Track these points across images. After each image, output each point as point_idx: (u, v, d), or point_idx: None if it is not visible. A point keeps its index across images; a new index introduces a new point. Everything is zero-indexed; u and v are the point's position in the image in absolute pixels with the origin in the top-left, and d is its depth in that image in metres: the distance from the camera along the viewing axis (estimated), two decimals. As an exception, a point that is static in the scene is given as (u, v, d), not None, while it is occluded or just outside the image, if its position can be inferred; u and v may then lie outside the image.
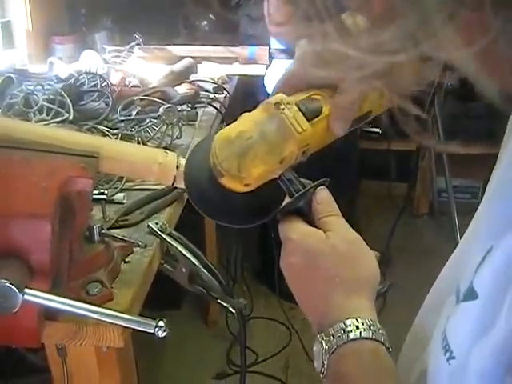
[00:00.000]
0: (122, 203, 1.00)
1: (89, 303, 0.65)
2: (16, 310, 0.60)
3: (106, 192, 0.97)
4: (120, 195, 1.01)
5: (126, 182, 1.05)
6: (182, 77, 1.78)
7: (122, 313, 0.65)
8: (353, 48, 0.33)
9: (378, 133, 2.80)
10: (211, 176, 0.58)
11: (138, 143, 1.20)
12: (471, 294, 0.41)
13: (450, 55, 0.32)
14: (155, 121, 1.27)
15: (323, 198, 0.59)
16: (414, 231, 2.84)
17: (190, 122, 1.48)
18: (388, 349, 0.50)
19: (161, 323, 0.62)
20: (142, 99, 1.39)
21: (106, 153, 0.70)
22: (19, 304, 0.60)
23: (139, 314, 0.76)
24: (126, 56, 2.06)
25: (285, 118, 0.56)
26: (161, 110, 1.23)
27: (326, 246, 0.55)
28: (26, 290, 0.60)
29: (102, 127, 1.25)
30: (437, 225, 2.95)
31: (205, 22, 2.62)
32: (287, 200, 0.60)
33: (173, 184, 0.73)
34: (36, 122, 1.25)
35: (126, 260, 0.83)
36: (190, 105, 1.57)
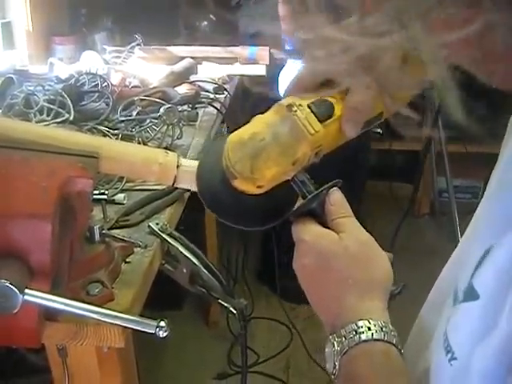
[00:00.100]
0: (123, 203, 1.00)
1: (89, 303, 0.65)
2: (16, 310, 0.60)
3: (106, 192, 0.97)
4: (120, 195, 1.01)
5: (127, 182, 1.05)
6: (182, 77, 1.78)
7: (122, 313, 0.65)
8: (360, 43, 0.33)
9: (378, 133, 2.80)
10: (224, 178, 0.58)
11: (139, 143, 1.20)
12: (472, 294, 0.41)
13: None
14: (156, 121, 1.27)
15: (336, 200, 0.59)
16: (415, 231, 2.84)
17: (191, 123, 1.48)
18: (400, 350, 0.50)
19: (162, 323, 0.62)
20: (142, 99, 1.39)
21: (106, 153, 0.69)
22: (19, 304, 0.60)
23: (140, 314, 0.76)
24: (127, 56, 2.06)
25: (297, 119, 0.56)
26: (161, 110, 1.23)
27: (339, 247, 0.55)
28: (27, 291, 0.60)
29: (102, 128, 1.25)
30: (438, 225, 2.95)
31: (205, 23, 2.62)
32: (300, 201, 0.60)
33: (173, 184, 0.73)
34: (36, 122, 1.25)
35: (127, 260, 0.83)
36: (190, 105, 1.57)
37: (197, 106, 1.60)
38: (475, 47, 0.32)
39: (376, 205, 2.99)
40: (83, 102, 1.44)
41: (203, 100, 1.66)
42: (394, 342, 0.50)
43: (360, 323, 0.51)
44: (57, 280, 0.66)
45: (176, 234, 0.91)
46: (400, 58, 0.57)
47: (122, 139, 1.20)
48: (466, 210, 2.79)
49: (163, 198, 1.02)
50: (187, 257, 0.89)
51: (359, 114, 0.59)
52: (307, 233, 0.57)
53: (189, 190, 1.04)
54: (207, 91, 1.76)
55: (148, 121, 1.29)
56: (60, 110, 1.29)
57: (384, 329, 0.51)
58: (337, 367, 0.51)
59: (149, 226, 0.92)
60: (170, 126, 1.23)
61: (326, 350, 0.53)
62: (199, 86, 1.76)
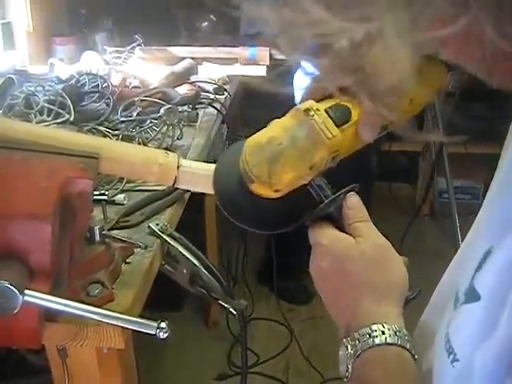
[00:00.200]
0: (123, 204, 1.00)
1: (89, 304, 0.65)
2: (16, 311, 0.60)
3: (106, 193, 0.97)
4: (121, 196, 1.01)
5: (127, 182, 1.05)
6: (182, 78, 1.78)
7: (122, 314, 0.65)
8: None
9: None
10: (241, 182, 0.58)
11: (139, 144, 1.20)
12: (473, 296, 0.41)
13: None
14: (156, 122, 1.27)
15: (354, 204, 0.59)
16: (415, 232, 2.84)
17: (191, 123, 1.48)
18: (413, 356, 0.50)
19: (162, 324, 0.62)
20: (142, 100, 1.39)
21: (107, 154, 0.69)
22: (19, 305, 0.60)
23: (140, 315, 0.76)
24: (127, 57, 2.06)
25: (314, 124, 0.56)
26: (161, 110, 1.23)
27: (355, 251, 0.56)
28: (26, 291, 0.60)
29: (102, 128, 1.25)
30: (438, 226, 2.95)
31: (205, 23, 2.62)
32: (314, 205, 0.60)
33: (173, 185, 0.73)
34: (37, 123, 1.25)
35: (127, 261, 0.83)
36: (190, 106, 1.57)
37: (197, 106, 1.60)
38: (470, 45, 0.32)
39: (375, 205, 2.99)
40: (83, 103, 1.44)
41: (203, 100, 1.66)
42: (408, 346, 0.50)
43: (374, 327, 0.51)
44: (57, 281, 0.66)
45: (176, 234, 0.91)
46: (417, 64, 0.58)
47: (122, 140, 1.20)
48: (466, 210, 2.79)
49: (163, 199, 1.02)
50: (187, 257, 0.89)
51: (376, 118, 0.60)
52: (324, 236, 0.58)
53: (189, 191, 1.04)
54: (207, 92, 1.76)
55: (148, 121, 1.29)
56: (60, 110, 1.29)
57: (398, 333, 0.51)
58: (349, 370, 0.51)
59: (149, 226, 0.92)
60: (171, 127, 1.23)
61: (340, 352, 0.53)
62: (199, 86, 1.76)
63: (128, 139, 1.21)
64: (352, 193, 0.60)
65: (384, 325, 0.51)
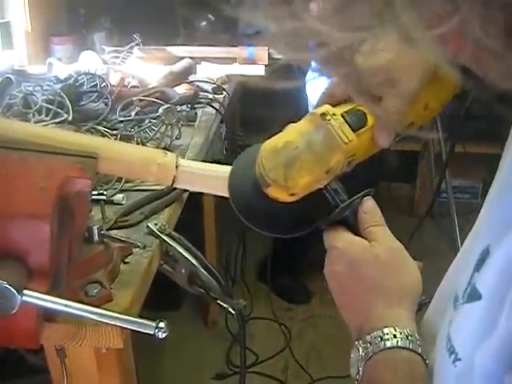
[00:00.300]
0: (122, 204, 1.00)
1: (88, 304, 0.65)
2: (15, 311, 0.60)
3: (105, 193, 0.97)
4: (119, 196, 1.01)
5: (126, 182, 1.05)
6: (181, 77, 1.77)
7: (121, 314, 0.65)
8: None
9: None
10: (256, 185, 0.59)
11: (138, 144, 1.20)
12: (475, 295, 0.41)
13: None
14: (154, 121, 1.27)
15: (370, 208, 0.60)
16: (413, 232, 2.84)
17: (190, 123, 1.47)
18: (425, 360, 0.50)
19: (161, 324, 0.62)
20: (141, 100, 1.39)
21: (105, 153, 0.69)
22: (18, 305, 0.60)
23: (138, 314, 0.76)
24: (125, 56, 2.06)
25: (331, 128, 0.57)
26: (160, 110, 1.23)
27: (369, 255, 0.56)
28: (25, 292, 0.60)
29: (101, 128, 1.25)
30: (436, 225, 2.95)
31: (204, 23, 2.62)
32: (330, 209, 0.60)
33: (172, 184, 0.73)
34: (35, 122, 1.25)
35: (126, 261, 0.83)
36: (189, 105, 1.57)
37: (196, 106, 1.60)
38: (467, 44, 0.32)
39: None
40: (82, 102, 1.43)
41: (202, 100, 1.66)
42: (419, 351, 0.51)
43: (386, 330, 0.51)
44: (55, 281, 0.66)
45: (175, 234, 0.91)
46: (430, 69, 0.58)
47: (120, 139, 1.20)
48: (465, 210, 2.80)
49: (162, 199, 1.02)
50: (186, 257, 0.89)
51: (391, 123, 0.60)
52: (339, 240, 0.58)
53: (187, 191, 1.04)
54: (206, 91, 1.76)
55: (147, 121, 1.29)
56: (59, 110, 1.29)
57: (410, 337, 0.51)
58: (360, 372, 0.52)
59: (147, 226, 0.91)
60: (169, 126, 1.23)
61: (352, 355, 0.54)
62: (198, 86, 1.76)
63: (126, 139, 1.21)
64: (368, 197, 0.61)
65: (396, 328, 0.51)
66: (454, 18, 0.30)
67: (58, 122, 1.27)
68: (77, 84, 1.47)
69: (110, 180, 1.04)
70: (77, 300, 0.65)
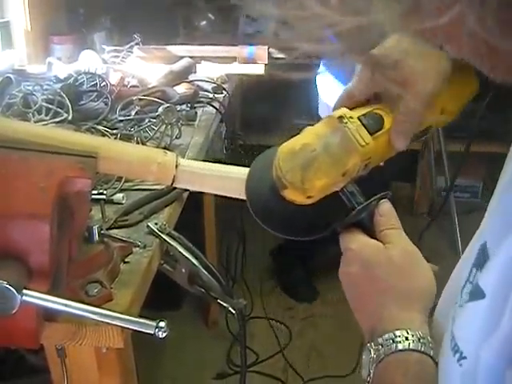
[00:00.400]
0: (122, 203, 1.00)
1: (88, 304, 0.65)
2: (15, 311, 0.60)
3: (105, 192, 0.97)
4: (119, 195, 1.01)
5: (125, 182, 1.05)
6: (181, 76, 1.77)
7: (121, 313, 0.65)
8: None
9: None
10: (273, 188, 0.59)
11: (137, 143, 1.20)
12: (478, 294, 0.41)
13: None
14: (154, 121, 1.26)
15: (386, 211, 0.60)
16: (413, 231, 2.84)
17: (190, 122, 1.47)
18: (437, 363, 0.50)
19: (161, 324, 0.62)
20: (141, 99, 1.38)
21: (105, 153, 0.69)
22: (18, 305, 0.59)
23: (139, 314, 0.76)
24: (125, 56, 2.06)
25: (348, 131, 0.57)
26: (160, 109, 1.23)
27: (383, 256, 0.56)
28: (25, 291, 0.60)
29: (101, 127, 1.25)
30: (436, 224, 2.95)
31: (204, 22, 2.62)
32: (346, 211, 0.60)
33: (172, 184, 0.73)
34: (35, 122, 1.25)
35: (126, 260, 0.83)
36: (189, 105, 1.57)
37: (195, 105, 1.59)
38: (472, 40, 0.32)
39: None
40: (82, 102, 1.43)
41: (202, 99, 1.66)
42: (431, 353, 0.50)
43: (398, 332, 0.51)
44: (55, 280, 0.66)
45: (175, 233, 0.91)
46: (448, 73, 0.59)
47: (120, 139, 1.20)
48: (465, 209, 2.80)
49: (162, 198, 1.02)
50: (186, 257, 0.89)
51: (408, 127, 0.61)
52: (354, 242, 0.59)
53: (187, 190, 1.04)
54: (206, 91, 1.76)
55: (147, 120, 1.29)
56: (58, 109, 1.29)
57: (421, 340, 0.51)
58: (371, 375, 0.52)
59: (148, 225, 0.91)
60: (169, 126, 1.23)
61: (363, 357, 0.54)
62: (198, 85, 1.76)
63: (126, 138, 1.21)
64: (384, 200, 0.61)
65: (408, 331, 0.51)
66: (453, 10, 0.30)
67: (57, 122, 1.27)
68: (77, 83, 1.47)
69: (110, 179, 1.04)
70: (77, 300, 0.65)
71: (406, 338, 0.51)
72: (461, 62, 0.36)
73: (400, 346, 0.51)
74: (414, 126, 0.61)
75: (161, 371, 2.00)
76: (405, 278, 0.56)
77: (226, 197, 0.72)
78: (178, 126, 1.27)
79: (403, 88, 0.59)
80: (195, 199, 1.43)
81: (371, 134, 0.58)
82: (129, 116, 1.32)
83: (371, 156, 0.59)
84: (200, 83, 1.79)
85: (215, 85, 1.81)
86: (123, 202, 1.01)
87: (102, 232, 0.80)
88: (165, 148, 1.02)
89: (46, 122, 1.26)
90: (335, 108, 0.61)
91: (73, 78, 1.48)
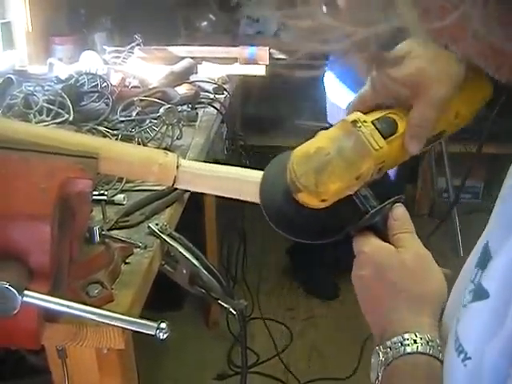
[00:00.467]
0: (122, 204, 1.00)
1: (89, 305, 0.65)
2: (16, 311, 0.60)
3: (105, 193, 0.97)
4: (120, 196, 1.01)
5: (126, 182, 1.05)
6: (182, 77, 1.77)
7: (122, 314, 0.65)
8: None
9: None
10: (287, 191, 0.59)
11: (138, 144, 1.20)
12: (481, 294, 0.41)
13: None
14: (155, 121, 1.26)
15: (400, 215, 0.60)
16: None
17: (191, 123, 1.47)
18: None
19: (162, 325, 0.62)
20: (142, 100, 1.38)
21: (106, 154, 0.69)
22: (19, 306, 0.59)
23: (140, 315, 0.76)
24: (126, 57, 2.06)
25: (362, 135, 0.58)
26: (161, 110, 1.23)
27: (395, 260, 0.57)
28: (26, 292, 0.60)
29: (102, 128, 1.25)
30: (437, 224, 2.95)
31: (205, 23, 2.62)
32: (359, 215, 0.61)
33: (173, 185, 0.73)
34: (36, 122, 1.25)
35: (127, 261, 0.83)
36: (190, 105, 1.57)
37: (196, 106, 1.59)
38: (477, 41, 0.32)
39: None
40: (83, 103, 1.43)
41: (203, 100, 1.66)
42: (440, 356, 0.50)
43: (406, 336, 0.52)
44: (56, 281, 0.66)
45: (176, 234, 0.91)
46: (461, 77, 0.59)
47: (121, 140, 1.20)
48: (467, 210, 2.80)
49: (163, 199, 1.02)
50: (187, 257, 0.89)
51: (422, 131, 0.61)
52: (367, 245, 0.59)
53: (188, 191, 1.03)
54: (207, 91, 1.76)
55: (148, 121, 1.29)
56: (59, 110, 1.29)
57: (430, 343, 0.51)
58: (379, 378, 0.52)
59: (148, 226, 0.91)
60: (170, 127, 1.23)
61: (372, 360, 0.54)
62: (199, 86, 1.76)
63: (127, 139, 1.21)
64: (398, 204, 0.61)
65: (417, 334, 0.51)
66: (457, 11, 0.30)
67: (58, 123, 1.27)
68: (78, 84, 1.47)
69: (111, 180, 1.04)
70: (78, 300, 0.65)
71: (415, 341, 0.51)
72: (474, 66, 0.36)
73: (408, 349, 0.51)
74: (427, 130, 0.61)
75: (162, 372, 2.01)
76: (416, 282, 0.56)
77: (226, 197, 0.72)
78: (178, 126, 1.27)
79: (416, 92, 0.59)
80: (196, 200, 1.43)
81: (385, 138, 0.59)
82: (130, 117, 1.32)
83: (385, 160, 0.59)
84: (201, 84, 1.79)
85: (216, 85, 1.81)
86: (124, 202, 1.01)
87: (103, 233, 0.80)
88: (166, 149, 1.02)
89: (46, 123, 1.26)
90: (349, 112, 0.62)
91: (74, 79, 1.48)
